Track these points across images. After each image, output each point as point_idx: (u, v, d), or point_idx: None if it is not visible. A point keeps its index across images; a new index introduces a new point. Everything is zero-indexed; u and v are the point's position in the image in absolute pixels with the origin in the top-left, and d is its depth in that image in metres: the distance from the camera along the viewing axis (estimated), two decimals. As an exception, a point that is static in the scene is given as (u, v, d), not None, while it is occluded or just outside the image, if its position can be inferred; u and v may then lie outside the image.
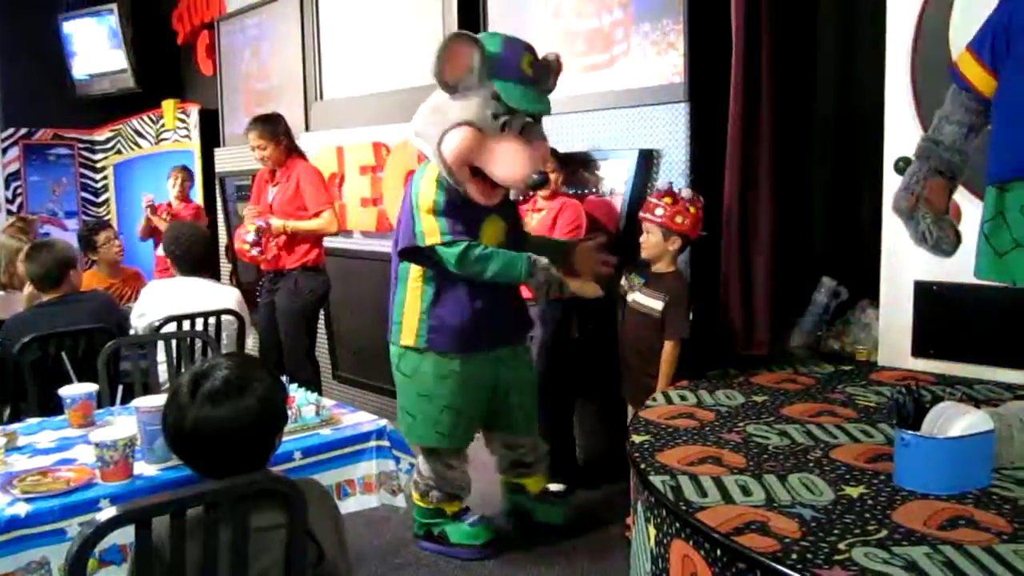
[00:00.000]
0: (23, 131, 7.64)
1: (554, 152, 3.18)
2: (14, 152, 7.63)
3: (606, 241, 3.05)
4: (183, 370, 2.81)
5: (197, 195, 6.33)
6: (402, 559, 2.93)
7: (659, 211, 2.84)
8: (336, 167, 4.70)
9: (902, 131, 2.74)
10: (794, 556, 1.50)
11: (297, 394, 2.28)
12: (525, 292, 2.98)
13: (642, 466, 1.99)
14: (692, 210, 2.84)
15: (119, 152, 7.79)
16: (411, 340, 2.81)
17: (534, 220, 3.34)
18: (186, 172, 5.82)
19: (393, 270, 2.89)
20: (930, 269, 2.62)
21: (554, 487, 3.29)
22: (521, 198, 3.36)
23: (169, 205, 5.71)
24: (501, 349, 2.87)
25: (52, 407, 2.47)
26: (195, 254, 3.52)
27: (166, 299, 3.37)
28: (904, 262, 2.78)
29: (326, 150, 4.77)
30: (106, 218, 7.74)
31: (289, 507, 1.49)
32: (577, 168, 3.52)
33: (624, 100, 3.37)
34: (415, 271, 2.81)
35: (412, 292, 2.81)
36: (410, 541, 3.02)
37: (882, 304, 2.91)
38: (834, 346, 3.09)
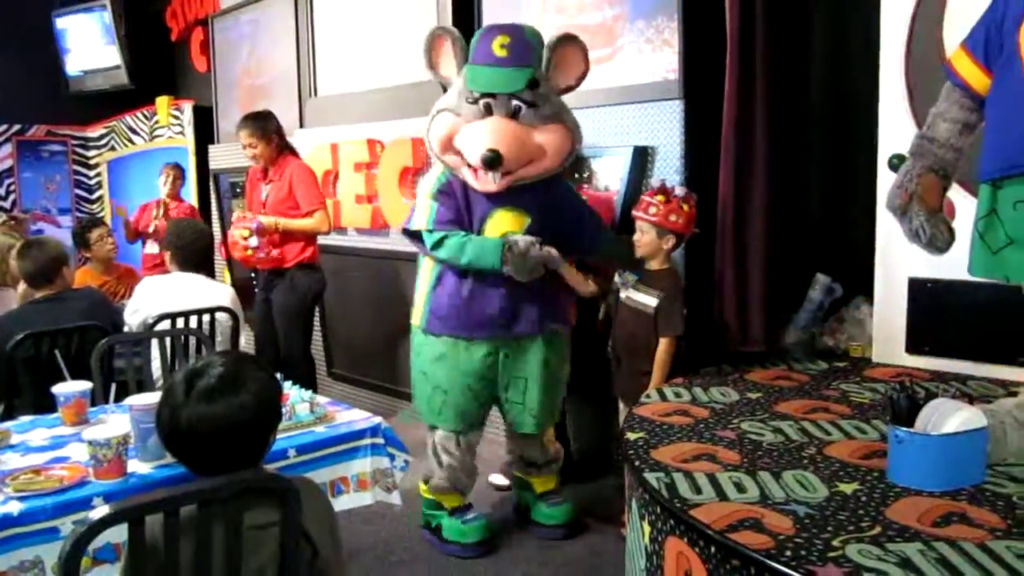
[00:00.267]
0: (16, 127, 7.61)
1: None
2: (7, 149, 7.59)
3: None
4: (177, 368, 2.81)
5: (190, 192, 6.29)
6: (398, 556, 2.93)
7: (653, 209, 2.83)
8: (330, 164, 4.69)
9: (896, 128, 2.74)
10: (788, 553, 1.51)
11: (291, 391, 2.27)
12: (572, 280, 2.89)
13: (636, 463, 2.00)
14: (686, 208, 2.84)
15: (113, 149, 7.75)
16: (417, 320, 2.94)
17: None
18: (178, 169, 5.74)
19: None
20: (924, 266, 2.63)
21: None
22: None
23: (165, 203, 5.62)
24: (499, 340, 2.84)
25: (45, 405, 2.46)
26: (198, 250, 3.55)
27: (160, 296, 3.35)
28: (898, 259, 2.78)
29: (320, 147, 4.75)
30: (100, 215, 7.71)
31: (283, 505, 1.49)
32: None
33: (619, 97, 3.37)
34: None
35: (423, 274, 2.93)
36: (406, 538, 3.04)
37: (876, 301, 2.92)
38: (828, 343, 3.09)
